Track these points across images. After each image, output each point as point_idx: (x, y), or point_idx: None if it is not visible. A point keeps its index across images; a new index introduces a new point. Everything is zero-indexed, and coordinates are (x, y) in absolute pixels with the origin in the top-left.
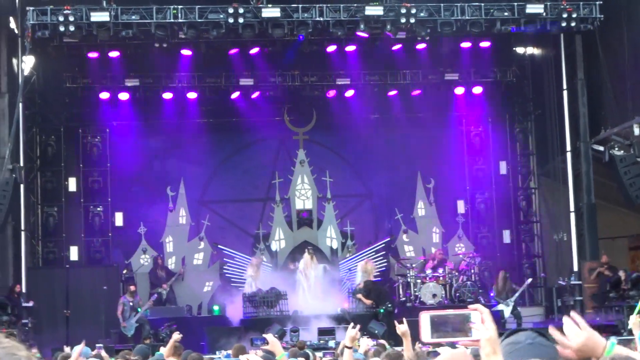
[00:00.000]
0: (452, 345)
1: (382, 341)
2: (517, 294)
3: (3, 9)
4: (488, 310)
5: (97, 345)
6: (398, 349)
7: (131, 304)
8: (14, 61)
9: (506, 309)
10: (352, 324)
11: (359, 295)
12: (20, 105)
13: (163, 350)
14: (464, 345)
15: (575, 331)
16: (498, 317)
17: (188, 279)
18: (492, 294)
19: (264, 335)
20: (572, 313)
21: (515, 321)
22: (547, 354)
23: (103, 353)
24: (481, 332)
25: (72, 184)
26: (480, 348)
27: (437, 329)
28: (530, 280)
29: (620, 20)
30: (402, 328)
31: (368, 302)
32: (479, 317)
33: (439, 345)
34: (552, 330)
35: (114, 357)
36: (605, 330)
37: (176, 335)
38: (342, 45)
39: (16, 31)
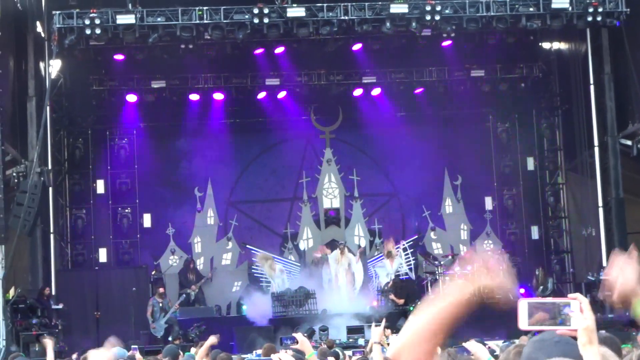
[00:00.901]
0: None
1: None
2: (546, 292)
3: (30, 14)
4: (587, 299)
5: (133, 346)
6: None
7: (160, 305)
8: (41, 65)
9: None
10: (382, 321)
11: (391, 296)
12: (48, 108)
13: (193, 351)
14: (561, 334)
15: (627, 271)
16: None
17: (216, 279)
18: (521, 290)
19: (293, 334)
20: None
21: None
22: (572, 352)
23: (138, 355)
24: (579, 321)
25: (100, 186)
26: (578, 337)
27: (534, 316)
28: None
29: None
30: None
31: (400, 301)
32: (578, 306)
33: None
34: (612, 266)
35: (146, 358)
36: (635, 325)
37: (212, 338)
38: (368, 43)
39: (43, 35)
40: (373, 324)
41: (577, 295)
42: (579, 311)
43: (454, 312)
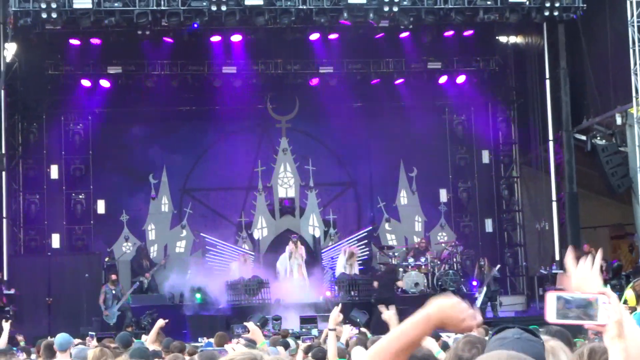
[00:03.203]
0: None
1: (364, 329)
2: (486, 281)
3: None
4: (615, 294)
5: (90, 333)
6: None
7: (113, 292)
8: None
9: (479, 297)
10: (336, 307)
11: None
12: (2, 92)
13: (145, 338)
14: (589, 328)
15: (584, 269)
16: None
17: (170, 267)
18: (474, 282)
19: (245, 323)
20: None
21: (490, 303)
22: (533, 348)
23: (94, 342)
24: (608, 316)
25: (54, 172)
26: (605, 332)
27: (562, 310)
28: (498, 266)
29: (603, 9)
30: (387, 313)
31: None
32: (606, 300)
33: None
34: (568, 258)
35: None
36: None
37: (161, 322)
38: (325, 33)
39: None
40: (336, 308)
41: (606, 289)
42: (607, 305)
43: (423, 335)
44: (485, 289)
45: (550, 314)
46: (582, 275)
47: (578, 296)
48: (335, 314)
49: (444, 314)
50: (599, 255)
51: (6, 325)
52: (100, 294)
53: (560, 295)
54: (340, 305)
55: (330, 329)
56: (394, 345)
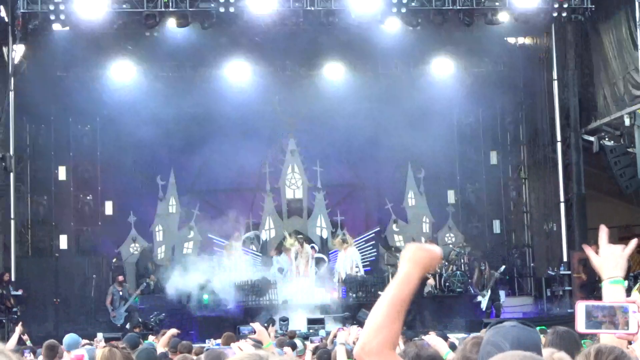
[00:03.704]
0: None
1: None
2: (490, 283)
3: None
4: None
5: (99, 333)
6: None
7: (120, 293)
8: (4, 50)
9: (483, 300)
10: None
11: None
12: (11, 94)
13: (152, 339)
14: (619, 337)
15: (616, 249)
16: (479, 309)
17: (177, 268)
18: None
19: (251, 324)
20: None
21: (494, 312)
22: (529, 335)
23: (102, 342)
24: (639, 324)
25: (62, 173)
26: (636, 340)
27: (592, 319)
28: (503, 267)
29: (612, 10)
30: None
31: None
32: (636, 309)
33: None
34: (603, 236)
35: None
36: None
37: (173, 331)
38: (334, 33)
39: (6, 19)
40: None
41: (636, 299)
42: (637, 314)
43: (411, 288)
44: (489, 292)
45: (580, 324)
46: (610, 253)
47: (608, 305)
48: (347, 334)
49: (420, 263)
50: (634, 242)
51: (18, 329)
52: (108, 295)
53: (589, 304)
54: (354, 326)
55: (341, 343)
56: (387, 310)
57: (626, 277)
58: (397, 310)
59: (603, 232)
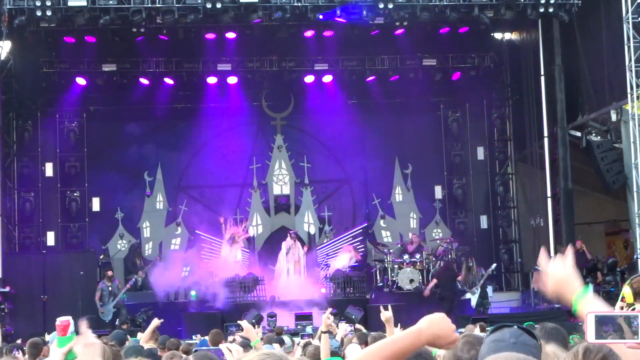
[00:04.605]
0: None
1: (359, 326)
2: (481, 281)
3: None
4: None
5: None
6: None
7: (110, 288)
8: None
9: (473, 297)
10: (328, 309)
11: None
12: None
13: (140, 336)
14: (629, 347)
15: (558, 266)
16: (469, 306)
17: (165, 264)
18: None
19: (238, 322)
20: (567, 249)
21: (482, 302)
22: (529, 353)
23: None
24: None
25: (48, 169)
26: None
27: (602, 329)
28: (494, 265)
29: (598, 6)
30: (386, 314)
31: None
32: None
33: None
34: (542, 258)
35: None
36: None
37: (156, 321)
38: (320, 30)
39: None
40: (327, 310)
41: (627, 293)
42: None
43: (413, 347)
44: (479, 290)
45: (590, 335)
46: (557, 273)
47: (617, 314)
48: (326, 317)
49: (434, 330)
50: (569, 250)
51: None
52: (97, 291)
53: (598, 314)
54: (330, 309)
55: (322, 332)
56: (384, 352)
57: (614, 273)
58: (391, 358)
59: (542, 255)
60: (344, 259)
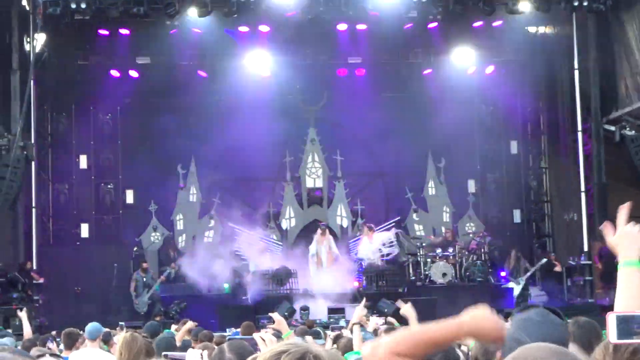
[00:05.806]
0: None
1: (391, 319)
2: (529, 274)
3: None
4: None
5: (120, 323)
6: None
7: (144, 279)
8: (25, 38)
9: (516, 288)
10: (363, 300)
11: None
12: (32, 82)
13: (173, 328)
14: None
15: (632, 228)
16: (511, 294)
17: (198, 257)
18: (502, 273)
19: (270, 314)
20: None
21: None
22: (554, 333)
23: (124, 331)
24: None
25: (83, 162)
26: None
27: (624, 329)
28: (545, 260)
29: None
30: (405, 309)
31: None
32: None
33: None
34: (623, 211)
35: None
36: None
37: (190, 324)
38: (354, 24)
39: (27, 8)
40: (362, 303)
41: None
42: None
43: (451, 338)
44: (523, 281)
45: (612, 335)
46: (625, 233)
47: (638, 314)
48: (360, 310)
49: (477, 323)
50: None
51: (22, 315)
52: (132, 281)
53: (620, 314)
54: (364, 300)
55: (354, 323)
56: (419, 338)
57: None
58: (426, 348)
59: (623, 211)
60: (366, 244)
